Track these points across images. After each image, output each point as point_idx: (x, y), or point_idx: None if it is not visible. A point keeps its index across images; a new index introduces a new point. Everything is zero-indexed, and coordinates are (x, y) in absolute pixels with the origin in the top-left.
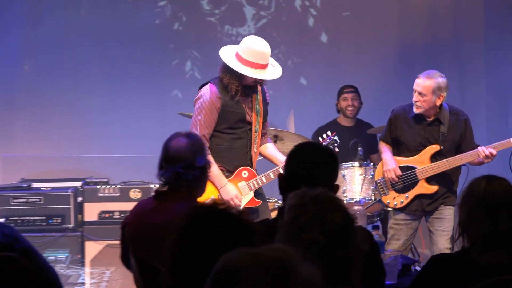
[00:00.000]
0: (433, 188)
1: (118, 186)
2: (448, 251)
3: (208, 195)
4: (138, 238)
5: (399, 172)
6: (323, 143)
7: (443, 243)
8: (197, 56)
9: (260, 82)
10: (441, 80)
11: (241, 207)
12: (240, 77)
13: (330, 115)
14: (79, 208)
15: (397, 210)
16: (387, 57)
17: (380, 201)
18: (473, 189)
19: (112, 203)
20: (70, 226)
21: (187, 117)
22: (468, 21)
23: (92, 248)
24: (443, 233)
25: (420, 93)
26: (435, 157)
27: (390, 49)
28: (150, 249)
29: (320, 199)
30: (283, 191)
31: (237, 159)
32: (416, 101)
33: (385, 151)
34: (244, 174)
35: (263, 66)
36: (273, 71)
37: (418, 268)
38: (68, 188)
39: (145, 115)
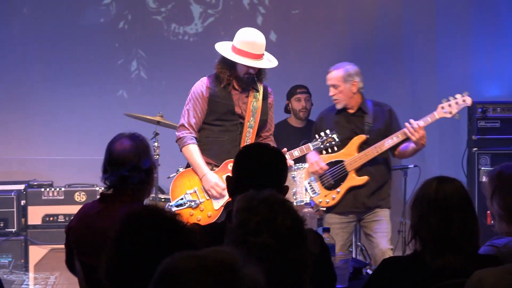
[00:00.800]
0: (364, 178)
1: (63, 189)
2: (391, 252)
3: (192, 185)
4: (83, 242)
5: (323, 165)
6: (319, 140)
7: (384, 244)
8: (143, 55)
9: (252, 73)
10: (349, 67)
11: (226, 199)
12: (231, 67)
13: (280, 115)
14: (23, 212)
15: (330, 210)
16: (337, 56)
17: (311, 204)
18: (424, 191)
19: (57, 206)
20: (13, 230)
21: (133, 118)
22: (418, 19)
23: (36, 253)
24: (383, 234)
25: (333, 86)
26: (362, 148)
27: (340, 48)
28: (95, 253)
29: (269, 202)
30: (232, 194)
31: (224, 152)
32: (333, 95)
33: (310, 153)
34: (230, 166)
35: (256, 56)
36: (266, 62)
37: (369, 271)
38: (11, 191)
39: (90, 116)
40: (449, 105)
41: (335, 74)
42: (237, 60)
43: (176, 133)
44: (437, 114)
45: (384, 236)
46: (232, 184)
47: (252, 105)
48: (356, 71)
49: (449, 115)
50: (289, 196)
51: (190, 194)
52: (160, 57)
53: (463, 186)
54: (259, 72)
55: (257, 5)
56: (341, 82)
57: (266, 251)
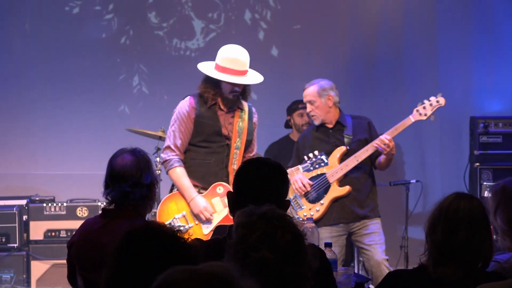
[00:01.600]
0: (345, 188)
1: (65, 204)
2: (386, 262)
3: (180, 209)
4: (85, 258)
5: (307, 180)
6: (309, 162)
7: (379, 255)
8: (145, 70)
9: (238, 91)
10: (323, 82)
11: (215, 224)
12: (216, 85)
13: (281, 130)
14: (25, 227)
15: (319, 223)
16: (338, 71)
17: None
18: (441, 203)
19: (59, 222)
20: (15, 245)
21: (135, 133)
22: (419, 34)
23: (38, 268)
24: (376, 246)
25: (309, 102)
26: (343, 160)
27: (341, 63)
28: (97, 269)
29: (268, 217)
30: (232, 210)
31: (211, 174)
32: (310, 112)
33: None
34: (219, 189)
35: (240, 73)
36: (250, 78)
37: (371, 286)
38: (13, 206)
39: (91, 131)
40: (424, 107)
41: (310, 91)
42: (220, 78)
43: (162, 155)
44: (413, 117)
45: (378, 247)
46: (232, 199)
47: (238, 125)
48: (330, 86)
49: (424, 117)
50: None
51: (179, 218)
52: (162, 72)
53: (481, 205)
54: (244, 90)
55: (258, 20)
56: (316, 97)
57: (266, 266)
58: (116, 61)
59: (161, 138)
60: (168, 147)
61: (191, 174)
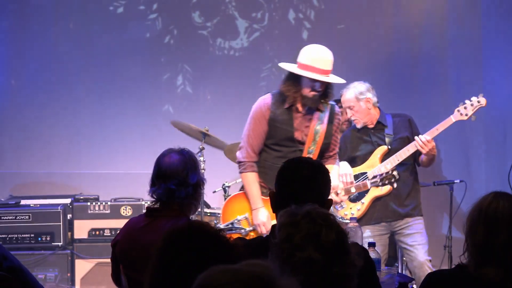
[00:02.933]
0: (386, 188)
1: (109, 203)
2: (429, 263)
3: (244, 211)
4: (129, 257)
5: (351, 179)
6: (379, 177)
7: (422, 256)
8: (189, 70)
9: (319, 90)
10: (358, 85)
11: None
12: (297, 84)
13: None
14: (69, 226)
15: (361, 222)
16: (381, 71)
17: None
18: (479, 203)
19: (103, 220)
20: (60, 244)
21: (179, 127)
22: (464, 33)
23: (82, 267)
24: (418, 246)
25: (349, 108)
26: (385, 159)
27: (385, 62)
28: (141, 268)
29: (313, 216)
30: (275, 209)
31: None
32: (350, 117)
33: (342, 163)
34: None
35: (323, 72)
36: (333, 78)
37: (415, 287)
38: (58, 205)
39: (135, 131)
40: (465, 108)
41: (348, 96)
42: (304, 74)
43: (237, 153)
44: (454, 117)
45: (420, 248)
46: (274, 199)
47: (315, 128)
48: (367, 88)
49: (465, 117)
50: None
51: (241, 220)
52: (206, 72)
53: None
54: (325, 92)
55: (302, 20)
56: (354, 102)
57: (312, 265)
58: (160, 60)
59: (205, 136)
60: (244, 147)
61: (262, 175)
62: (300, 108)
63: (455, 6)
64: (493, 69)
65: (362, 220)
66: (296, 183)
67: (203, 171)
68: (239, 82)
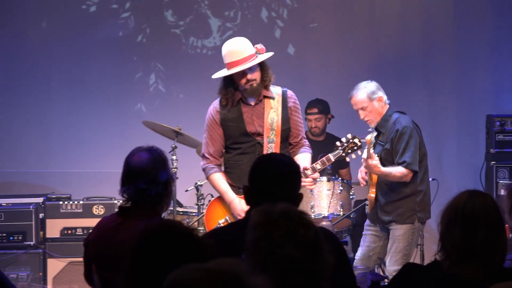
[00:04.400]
0: (371, 194)
1: (81, 202)
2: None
3: (224, 214)
4: (101, 256)
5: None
6: (340, 148)
7: (388, 264)
8: (161, 68)
9: (253, 79)
10: (367, 84)
11: None
12: (231, 84)
13: None
14: (41, 225)
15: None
16: (355, 69)
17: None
18: (454, 202)
19: (75, 220)
20: (32, 243)
21: (151, 126)
22: (441, 32)
23: (55, 266)
24: (389, 253)
25: (362, 109)
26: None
27: (358, 61)
28: (114, 267)
29: (290, 215)
30: (249, 202)
31: (244, 175)
32: (364, 118)
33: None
34: None
35: (242, 61)
36: (255, 60)
37: None
38: (30, 204)
39: (108, 129)
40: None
41: (359, 98)
42: (222, 74)
43: (200, 162)
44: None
45: (389, 256)
46: (248, 194)
47: (269, 117)
48: (377, 86)
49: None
50: (307, 209)
51: (222, 223)
52: (178, 71)
53: (494, 202)
54: (262, 78)
55: (275, 18)
56: (367, 102)
57: (292, 263)
58: (133, 59)
59: (178, 135)
60: (203, 155)
61: (228, 175)
62: (247, 101)
63: (430, 5)
64: (466, 68)
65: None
66: (268, 179)
67: (175, 170)
68: (211, 80)
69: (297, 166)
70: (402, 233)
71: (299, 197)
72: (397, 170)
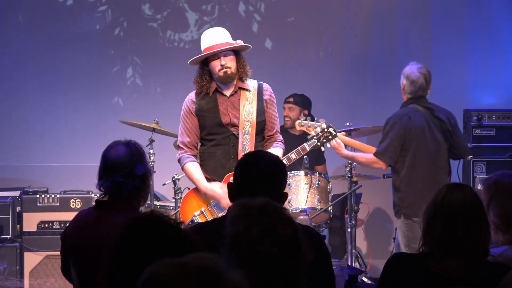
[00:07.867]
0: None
1: (58, 196)
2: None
3: (199, 205)
4: (79, 250)
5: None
6: (315, 138)
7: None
8: (138, 62)
9: (227, 66)
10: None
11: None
12: (205, 72)
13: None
14: (18, 218)
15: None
16: (333, 63)
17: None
18: (434, 197)
19: (52, 213)
20: (8, 236)
21: (129, 124)
22: (413, 26)
23: (31, 259)
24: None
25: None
26: None
27: (335, 56)
28: (91, 260)
29: (269, 211)
30: (232, 200)
31: (219, 166)
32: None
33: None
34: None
35: (219, 46)
36: (233, 46)
37: (365, 279)
38: (6, 197)
39: (85, 123)
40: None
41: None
42: (199, 56)
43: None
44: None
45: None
46: (232, 191)
47: (245, 109)
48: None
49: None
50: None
51: (198, 215)
52: (156, 64)
53: (473, 193)
54: (238, 69)
55: (252, 12)
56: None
57: (270, 260)
58: (110, 53)
59: (155, 130)
60: (178, 146)
61: (203, 167)
62: (222, 91)
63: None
64: (442, 62)
65: None
66: (254, 177)
67: (152, 163)
68: (189, 74)
69: (283, 165)
70: (398, 226)
71: (285, 196)
72: (363, 155)
